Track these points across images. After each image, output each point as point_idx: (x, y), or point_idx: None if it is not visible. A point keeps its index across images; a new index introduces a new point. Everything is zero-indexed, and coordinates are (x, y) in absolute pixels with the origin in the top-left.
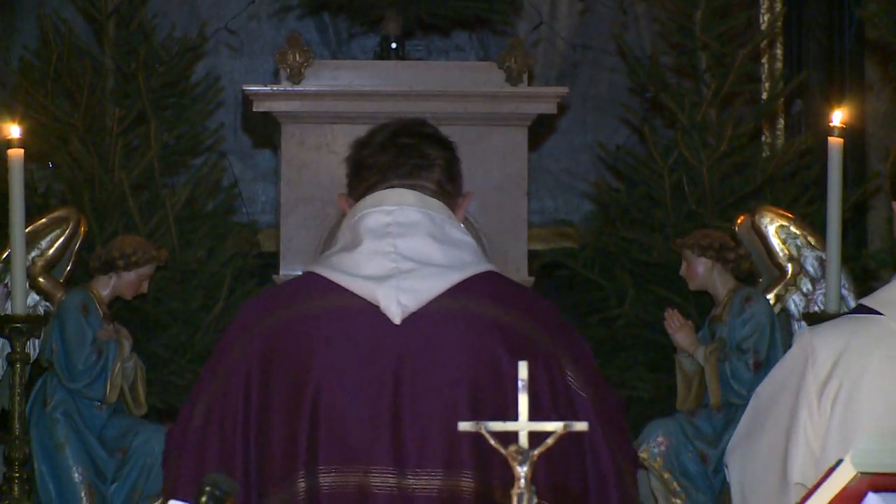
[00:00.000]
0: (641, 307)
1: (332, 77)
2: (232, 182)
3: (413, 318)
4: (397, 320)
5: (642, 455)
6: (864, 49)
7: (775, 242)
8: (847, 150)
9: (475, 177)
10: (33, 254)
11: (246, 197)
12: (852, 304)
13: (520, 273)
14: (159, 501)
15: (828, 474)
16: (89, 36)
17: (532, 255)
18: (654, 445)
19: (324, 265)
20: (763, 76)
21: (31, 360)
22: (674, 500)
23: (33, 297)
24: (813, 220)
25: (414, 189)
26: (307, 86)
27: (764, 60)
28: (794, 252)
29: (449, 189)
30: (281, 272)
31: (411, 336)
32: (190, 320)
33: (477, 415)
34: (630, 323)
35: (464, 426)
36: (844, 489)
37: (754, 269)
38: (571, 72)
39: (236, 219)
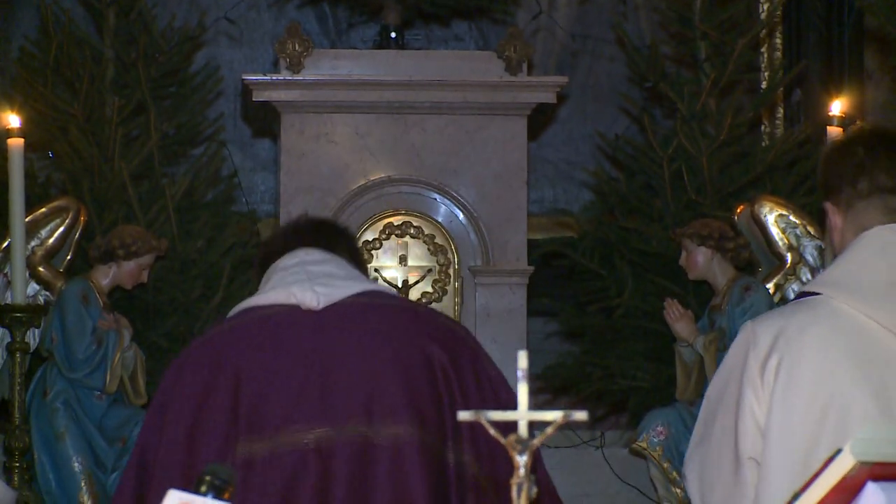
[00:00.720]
0: (641, 297)
1: (331, 67)
2: (231, 172)
3: (331, 309)
4: (316, 304)
5: (641, 444)
6: (863, 38)
7: (775, 232)
8: None
9: (474, 166)
10: (33, 243)
11: (245, 186)
12: None
13: (519, 262)
14: None
15: (827, 463)
16: (89, 26)
17: (531, 244)
18: (653, 435)
19: (241, 304)
20: (762, 65)
21: (31, 350)
22: (673, 489)
23: (33, 287)
24: (812, 210)
25: (319, 248)
26: (307, 75)
27: (763, 50)
28: (794, 241)
29: (355, 259)
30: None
31: (330, 321)
32: (190, 310)
33: (407, 378)
34: (629, 312)
35: (463, 416)
36: (844, 478)
37: (754, 258)
38: (571, 61)
39: (236, 208)
